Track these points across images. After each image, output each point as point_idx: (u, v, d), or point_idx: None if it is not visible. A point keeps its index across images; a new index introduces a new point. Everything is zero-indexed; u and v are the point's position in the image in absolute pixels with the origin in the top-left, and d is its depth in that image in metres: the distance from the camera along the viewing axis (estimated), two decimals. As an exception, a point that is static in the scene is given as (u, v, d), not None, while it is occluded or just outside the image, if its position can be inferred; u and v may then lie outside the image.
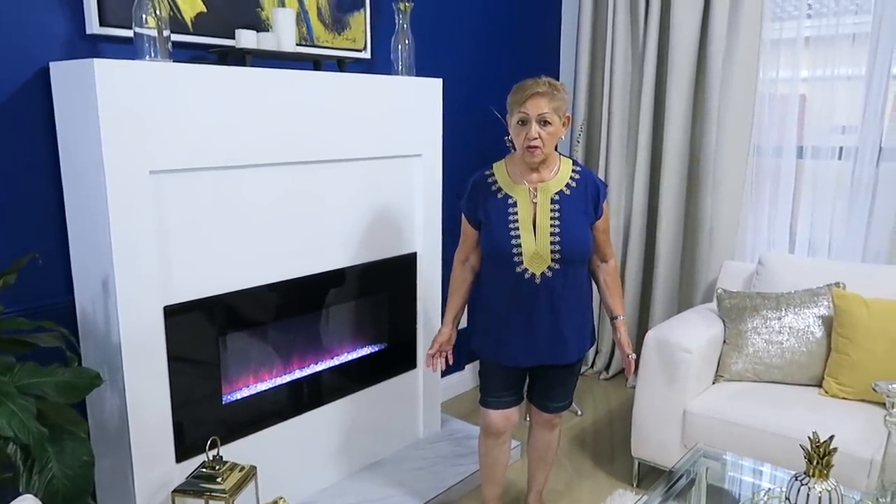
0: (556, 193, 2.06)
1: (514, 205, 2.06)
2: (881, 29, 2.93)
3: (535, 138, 1.96)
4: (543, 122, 1.96)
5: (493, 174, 2.13)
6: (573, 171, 2.11)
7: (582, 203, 2.08)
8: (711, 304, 2.96)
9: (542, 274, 2.05)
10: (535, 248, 2.04)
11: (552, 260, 2.04)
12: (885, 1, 2.90)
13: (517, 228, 2.04)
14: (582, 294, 2.15)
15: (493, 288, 2.14)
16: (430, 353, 2.23)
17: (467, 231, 2.18)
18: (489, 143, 3.39)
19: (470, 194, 2.14)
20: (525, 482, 2.55)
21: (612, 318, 2.25)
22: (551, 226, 2.04)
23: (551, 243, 2.04)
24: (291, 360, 2.50)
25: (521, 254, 2.04)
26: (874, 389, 1.72)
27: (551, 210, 2.05)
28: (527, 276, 2.05)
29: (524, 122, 1.98)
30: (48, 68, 1.96)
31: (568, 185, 2.08)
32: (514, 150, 2.07)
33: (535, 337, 2.11)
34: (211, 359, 2.18)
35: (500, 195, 2.08)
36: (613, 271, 2.26)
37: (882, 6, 2.91)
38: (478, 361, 2.29)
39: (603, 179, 3.62)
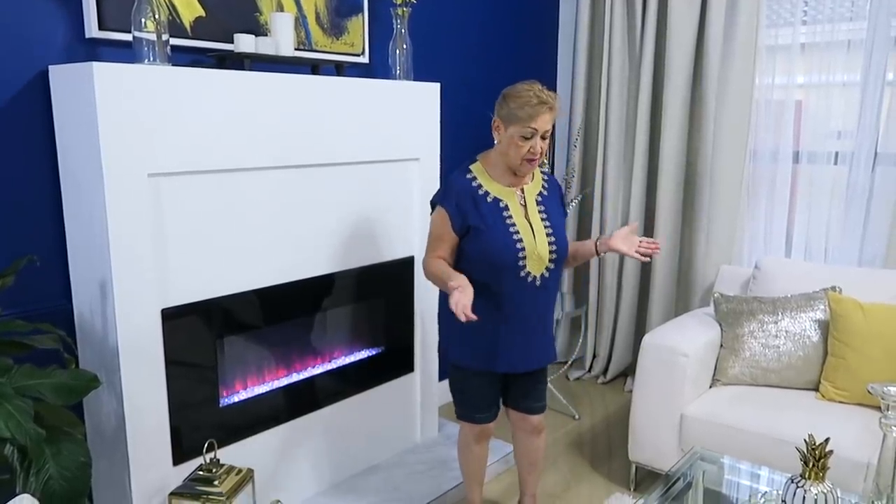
0: (538, 195, 2.11)
1: (507, 208, 2.06)
2: (875, 35, 2.94)
3: (539, 153, 1.99)
4: (543, 136, 1.99)
5: (475, 178, 2.07)
6: (542, 173, 2.18)
7: (557, 203, 2.16)
8: (708, 309, 2.96)
9: (541, 275, 2.06)
10: (536, 249, 2.05)
11: (549, 260, 2.06)
12: (879, 8, 2.92)
13: (517, 232, 2.04)
14: (556, 294, 2.20)
15: (483, 297, 2.01)
16: (460, 304, 1.83)
17: (445, 237, 2.06)
18: (486, 147, 3.38)
19: (457, 201, 2.04)
20: (517, 490, 2.54)
21: (596, 243, 2.15)
22: (545, 226, 2.06)
23: (549, 243, 2.06)
24: (289, 363, 2.50)
25: (525, 257, 2.03)
26: (869, 392, 1.73)
27: (539, 211, 2.08)
28: (529, 279, 2.05)
29: (529, 137, 1.96)
30: (47, 72, 1.97)
31: (544, 187, 2.14)
32: (492, 150, 2.08)
33: (530, 340, 2.12)
34: (208, 362, 2.18)
35: (489, 199, 2.05)
36: None
37: (876, 13, 2.93)
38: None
39: (600, 184, 3.65)
